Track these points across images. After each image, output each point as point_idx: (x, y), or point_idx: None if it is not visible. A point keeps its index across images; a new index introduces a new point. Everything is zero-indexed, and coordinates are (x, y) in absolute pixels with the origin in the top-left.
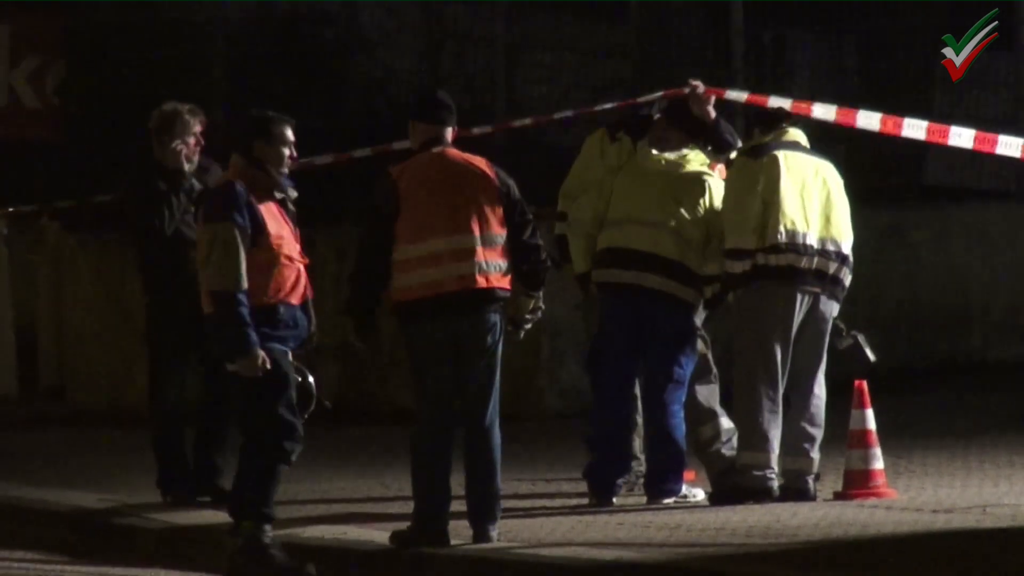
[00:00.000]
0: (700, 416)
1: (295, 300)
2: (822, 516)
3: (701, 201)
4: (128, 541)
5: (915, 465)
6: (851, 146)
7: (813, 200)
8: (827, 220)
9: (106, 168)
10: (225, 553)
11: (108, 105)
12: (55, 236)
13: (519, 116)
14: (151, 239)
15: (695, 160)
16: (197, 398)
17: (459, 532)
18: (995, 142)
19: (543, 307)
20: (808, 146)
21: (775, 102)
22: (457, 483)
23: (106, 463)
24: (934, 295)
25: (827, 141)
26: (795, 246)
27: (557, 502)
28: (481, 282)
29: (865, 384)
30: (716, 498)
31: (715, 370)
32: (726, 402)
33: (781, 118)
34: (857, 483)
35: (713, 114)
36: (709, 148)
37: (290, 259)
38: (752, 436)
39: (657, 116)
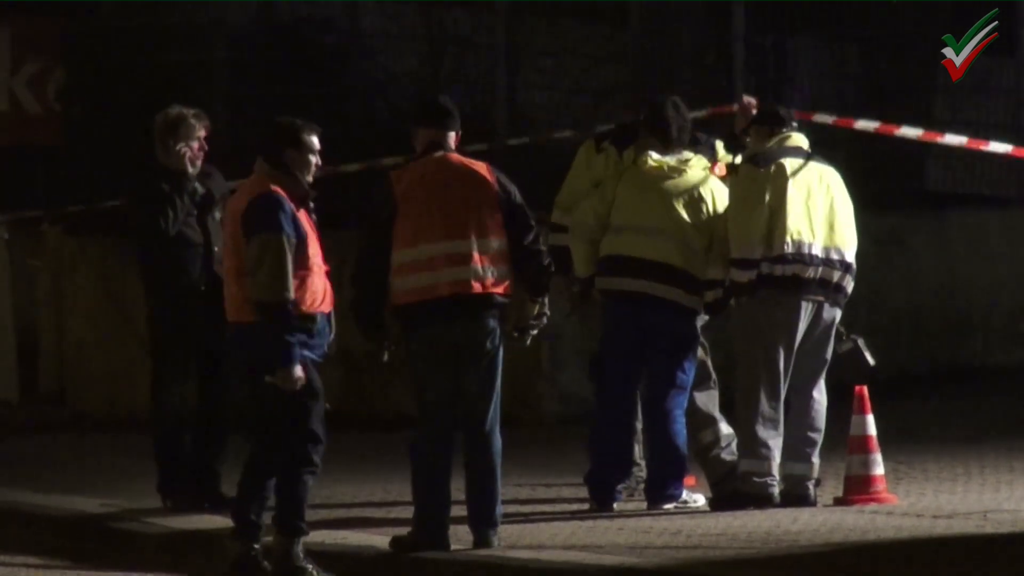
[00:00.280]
0: (700, 422)
1: (326, 308)
2: (822, 522)
3: (704, 207)
4: (128, 546)
5: (915, 471)
6: (851, 151)
7: (818, 209)
8: (831, 228)
9: (107, 172)
10: (225, 558)
11: (109, 110)
12: (56, 241)
13: (520, 121)
14: (154, 241)
15: (697, 165)
16: (196, 403)
17: (460, 537)
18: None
19: (548, 313)
20: (809, 151)
21: (863, 125)
22: (458, 488)
23: (107, 468)
24: (935, 301)
25: (828, 145)
26: (801, 256)
27: (557, 507)
28: (476, 287)
29: (866, 390)
30: (717, 504)
31: (714, 376)
32: (727, 408)
33: (782, 121)
34: (858, 488)
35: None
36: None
37: (320, 268)
38: (753, 443)
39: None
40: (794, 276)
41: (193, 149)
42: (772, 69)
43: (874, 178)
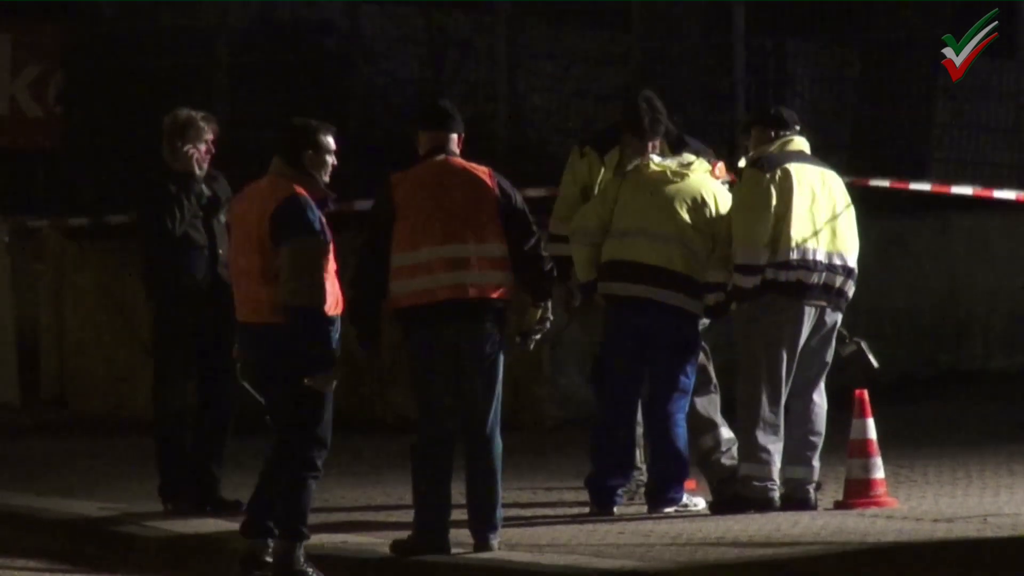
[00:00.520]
0: (700, 426)
1: (341, 311)
2: (823, 525)
3: (707, 211)
4: (129, 549)
5: (916, 474)
6: (852, 155)
7: (822, 213)
8: (834, 233)
9: (107, 175)
10: (225, 561)
11: (109, 113)
12: (57, 244)
13: (521, 124)
14: (159, 241)
15: (699, 168)
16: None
17: (460, 540)
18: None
19: (551, 318)
20: (810, 154)
21: (959, 190)
22: (458, 491)
23: (107, 471)
24: (935, 304)
25: (828, 149)
26: (805, 262)
27: (558, 511)
28: (473, 292)
29: (866, 393)
30: (717, 507)
31: (715, 380)
32: (727, 412)
33: (783, 123)
34: (858, 492)
35: None
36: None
37: (333, 270)
38: (753, 448)
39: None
40: (798, 282)
41: (200, 151)
42: (772, 71)
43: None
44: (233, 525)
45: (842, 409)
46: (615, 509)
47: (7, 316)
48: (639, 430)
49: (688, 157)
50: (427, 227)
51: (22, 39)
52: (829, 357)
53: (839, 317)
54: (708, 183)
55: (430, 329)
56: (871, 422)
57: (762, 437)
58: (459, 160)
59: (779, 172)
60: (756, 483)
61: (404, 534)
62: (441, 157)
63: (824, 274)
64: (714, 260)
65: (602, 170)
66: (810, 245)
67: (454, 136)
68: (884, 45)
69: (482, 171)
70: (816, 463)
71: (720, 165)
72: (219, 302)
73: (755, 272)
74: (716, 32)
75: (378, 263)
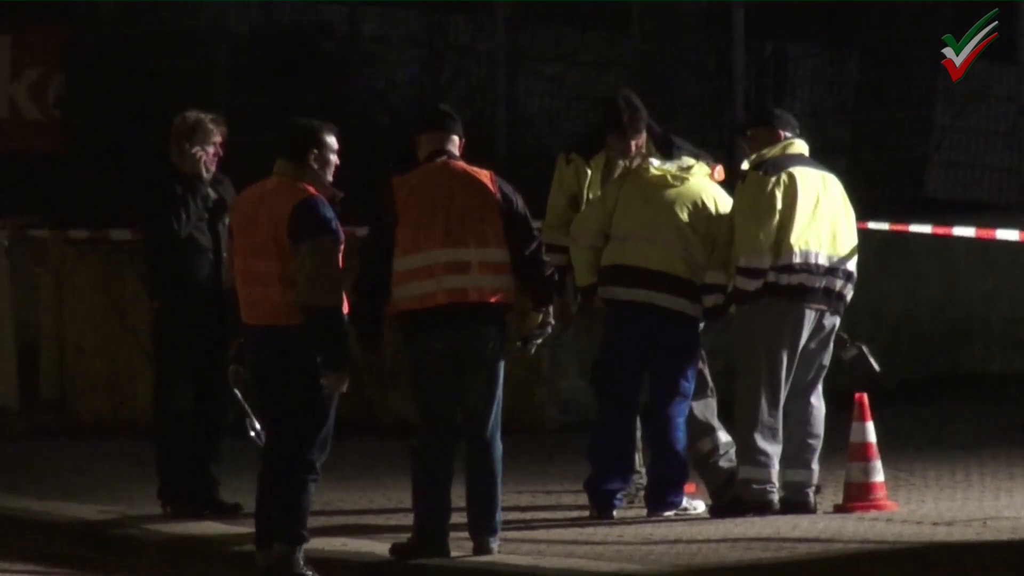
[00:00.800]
0: (697, 430)
1: (347, 311)
2: (822, 528)
3: (707, 215)
4: (129, 553)
5: (915, 478)
6: (852, 159)
7: (823, 217)
8: (834, 237)
9: (107, 178)
10: (225, 563)
11: (109, 116)
12: (57, 247)
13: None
14: (164, 242)
15: (699, 172)
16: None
17: (459, 544)
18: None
19: (553, 322)
20: (810, 157)
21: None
22: (458, 495)
23: (106, 474)
24: (934, 308)
25: (828, 153)
26: (807, 266)
27: (558, 514)
28: (474, 296)
29: (865, 397)
30: (717, 511)
31: (712, 385)
32: (725, 416)
33: (789, 125)
34: (857, 495)
35: None
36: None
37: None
38: (753, 451)
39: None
40: (800, 285)
41: (208, 154)
42: (772, 75)
43: (875, 185)
44: (233, 528)
45: (841, 412)
46: (615, 513)
47: (7, 319)
48: (638, 434)
49: (688, 161)
50: (428, 230)
51: (22, 41)
52: (827, 360)
53: (837, 320)
54: (708, 187)
55: (431, 333)
56: (871, 425)
57: (761, 440)
58: (460, 163)
59: (784, 176)
60: (755, 486)
61: (404, 537)
62: (442, 160)
63: (825, 278)
64: (713, 262)
65: (588, 175)
66: (812, 248)
67: (454, 139)
68: (884, 47)
69: (483, 174)
70: (815, 466)
71: (719, 168)
72: (221, 304)
73: (758, 275)
74: (715, 35)
75: (380, 266)
